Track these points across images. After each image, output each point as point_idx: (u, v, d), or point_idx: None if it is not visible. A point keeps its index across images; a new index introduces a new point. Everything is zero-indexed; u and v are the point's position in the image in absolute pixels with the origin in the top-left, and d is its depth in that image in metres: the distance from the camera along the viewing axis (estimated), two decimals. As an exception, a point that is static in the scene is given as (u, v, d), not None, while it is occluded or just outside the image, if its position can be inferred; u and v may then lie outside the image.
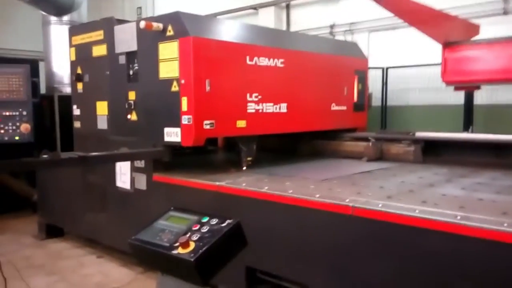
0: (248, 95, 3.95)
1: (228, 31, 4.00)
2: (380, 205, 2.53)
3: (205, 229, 2.00)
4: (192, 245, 1.90)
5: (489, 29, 4.64)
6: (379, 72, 6.67)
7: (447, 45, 3.42)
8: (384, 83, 6.70)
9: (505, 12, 5.73)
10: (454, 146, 4.36)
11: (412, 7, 3.16)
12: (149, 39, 3.80)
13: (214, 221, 2.04)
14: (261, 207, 3.07)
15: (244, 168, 4.13)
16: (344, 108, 5.14)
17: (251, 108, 3.99)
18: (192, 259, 1.84)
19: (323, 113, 4.86)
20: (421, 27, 3.33)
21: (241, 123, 3.91)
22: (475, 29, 4.28)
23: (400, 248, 2.39)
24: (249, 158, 4.22)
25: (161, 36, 3.69)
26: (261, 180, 3.47)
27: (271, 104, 4.18)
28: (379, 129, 6.40)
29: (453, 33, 3.58)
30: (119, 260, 4.59)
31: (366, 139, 4.71)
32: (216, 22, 4.11)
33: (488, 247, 2.05)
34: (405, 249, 2.37)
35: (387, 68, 6.67)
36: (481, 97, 5.66)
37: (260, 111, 4.07)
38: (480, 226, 2.09)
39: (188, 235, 1.98)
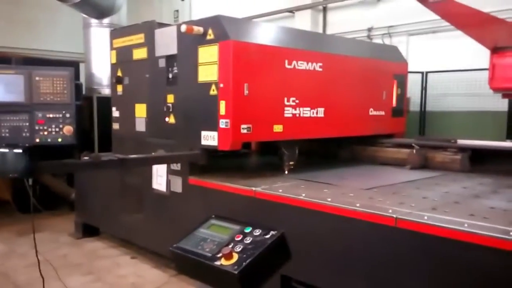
0: (285, 99, 3.91)
1: (267, 34, 3.97)
2: (425, 217, 2.44)
3: (248, 240, 1.95)
4: (235, 257, 1.86)
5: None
6: (418, 76, 6.49)
7: (496, 51, 3.27)
8: (423, 88, 6.51)
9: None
10: (499, 155, 4.19)
11: (461, 11, 3.04)
12: (189, 42, 3.81)
13: (257, 232, 1.99)
14: (297, 214, 3.02)
15: (286, 172, 4.10)
16: (382, 113, 5.02)
17: (288, 112, 3.94)
18: (236, 272, 1.80)
19: (361, 118, 4.76)
20: (469, 31, 3.21)
21: (278, 128, 3.87)
22: (524, 33, 4.09)
23: (446, 263, 2.29)
24: (291, 163, 4.19)
25: (201, 39, 3.69)
26: (298, 187, 3.41)
27: (308, 108, 4.12)
28: (417, 135, 6.23)
29: (502, 38, 3.42)
30: (152, 262, 4.63)
31: (409, 146, 4.58)
32: (255, 26, 4.08)
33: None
34: (452, 264, 2.27)
35: (426, 73, 6.48)
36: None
37: (297, 115, 4.02)
38: (538, 244, 1.97)
39: (231, 246, 1.94)
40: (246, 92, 3.57)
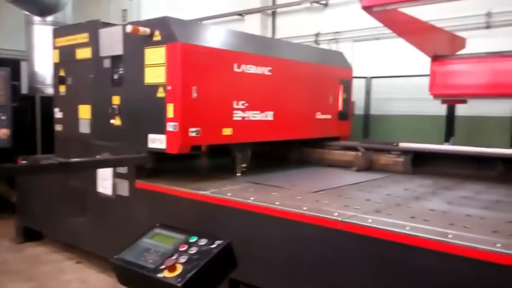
0: (234, 102, 3.91)
1: (216, 37, 3.95)
2: (370, 220, 2.51)
3: (193, 250, 1.91)
4: (179, 268, 1.81)
5: (472, 43, 4.74)
6: (363, 81, 6.70)
7: (436, 58, 3.43)
8: (367, 93, 6.74)
9: (488, 26, 5.83)
10: (438, 157, 4.41)
11: (403, 19, 3.17)
12: (136, 43, 3.72)
13: (203, 242, 1.96)
14: (246, 218, 3.02)
15: (238, 174, 4.11)
16: (329, 116, 5.15)
17: (238, 115, 3.94)
18: (180, 284, 1.75)
19: (308, 121, 4.86)
20: (410, 39, 3.34)
21: (227, 131, 3.87)
22: (461, 42, 4.34)
23: (389, 264, 2.37)
24: (243, 165, 4.19)
25: (148, 40, 3.61)
26: (247, 190, 3.42)
27: (258, 112, 4.14)
28: (362, 138, 6.43)
29: (441, 46, 3.61)
30: (98, 266, 4.48)
31: (355, 149, 4.72)
32: (204, 28, 4.05)
33: (481, 267, 2.04)
34: (395, 266, 2.34)
35: (370, 78, 6.71)
36: (461, 108, 5.74)
37: (247, 118, 4.03)
38: (473, 246, 2.08)
39: (175, 257, 1.89)
40: (194, 95, 3.53)
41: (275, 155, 5.22)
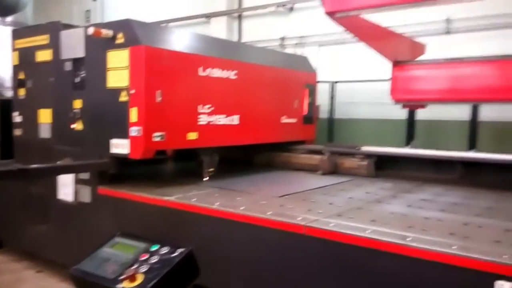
0: (200, 106, 3.89)
1: (181, 41, 3.92)
2: (332, 224, 2.55)
3: (154, 259, 1.88)
4: (139, 278, 1.78)
5: (432, 49, 4.89)
6: (327, 85, 6.79)
7: (397, 64, 3.53)
8: (332, 97, 6.84)
9: (448, 32, 6.04)
10: (400, 161, 4.52)
11: (364, 25, 3.24)
12: (98, 46, 3.64)
13: (164, 250, 1.93)
14: (211, 223, 3.00)
15: (206, 179, 4.09)
16: (294, 120, 5.20)
17: (203, 120, 3.93)
18: (139, 295, 1.72)
19: (274, 125, 4.89)
20: (372, 45, 3.42)
21: (193, 135, 3.84)
22: (421, 48, 4.47)
23: (352, 268, 2.41)
24: (210, 169, 4.17)
25: (111, 43, 3.54)
26: (213, 195, 3.40)
27: (224, 116, 4.14)
28: (326, 141, 6.52)
29: (401, 52, 3.71)
30: (59, 275, 4.35)
31: (320, 152, 4.78)
32: (168, 31, 4.01)
33: (438, 269, 2.10)
34: (357, 270, 2.38)
35: (335, 82, 6.82)
36: (422, 112, 5.91)
37: (212, 123, 4.02)
38: (430, 248, 2.14)
39: (135, 267, 1.85)
40: (158, 99, 3.49)
41: (243, 159, 5.23)
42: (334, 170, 4.65)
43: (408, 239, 2.26)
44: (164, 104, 3.55)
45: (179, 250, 1.89)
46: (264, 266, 2.75)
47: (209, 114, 3.98)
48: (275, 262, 2.71)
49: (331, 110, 6.87)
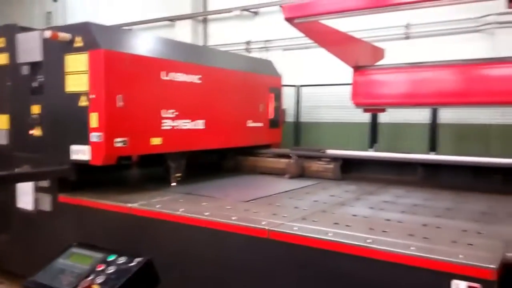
0: (163, 111, 3.84)
1: (143, 44, 3.86)
2: (295, 228, 2.56)
3: (111, 269, 1.83)
4: (95, 290, 1.73)
5: (392, 53, 5.01)
6: (293, 89, 6.86)
7: (357, 69, 3.59)
8: (297, 101, 6.91)
9: (407, 37, 6.21)
10: (363, 164, 4.61)
11: (324, 30, 3.28)
12: (56, 49, 3.54)
13: (121, 260, 1.88)
14: (175, 230, 2.96)
15: (173, 184, 4.04)
16: (260, 124, 5.21)
17: (167, 124, 3.88)
18: (95, 307, 1.67)
19: (240, 129, 4.89)
20: (332, 50, 3.47)
21: (156, 140, 3.79)
22: (381, 53, 4.57)
23: (316, 271, 2.42)
24: (177, 174, 4.13)
25: (69, 47, 3.45)
26: (177, 201, 3.36)
27: (188, 120, 4.10)
28: (292, 145, 6.58)
29: (361, 57, 3.78)
30: (20, 287, 4.18)
31: (287, 156, 4.80)
32: (130, 35, 3.95)
33: (397, 270, 2.14)
34: (321, 272, 2.40)
35: (300, 86, 6.89)
36: (384, 115, 6.05)
37: (176, 127, 3.97)
38: (389, 250, 2.18)
39: (91, 278, 1.80)
40: (120, 103, 3.43)
41: (211, 164, 5.19)
42: (301, 174, 4.68)
43: (368, 241, 2.29)
44: (126, 109, 3.48)
45: (137, 260, 1.85)
46: (229, 272, 2.74)
47: (174, 119, 3.93)
48: (240, 268, 2.70)
49: (297, 113, 6.93)
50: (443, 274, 2.01)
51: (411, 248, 2.17)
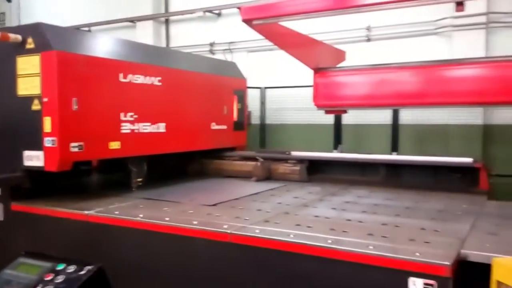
0: (122, 114, 3.73)
1: (99, 46, 3.75)
2: (257, 231, 2.53)
3: (60, 279, 1.76)
4: (42, 300, 1.64)
5: (354, 55, 5.07)
6: (258, 91, 6.84)
7: (318, 71, 3.60)
8: (262, 103, 6.90)
9: (369, 39, 6.30)
10: (329, 165, 4.64)
11: (283, 32, 3.26)
12: (6, 51, 3.38)
13: (71, 269, 1.80)
14: (134, 237, 2.87)
15: (134, 189, 3.95)
16: (224, 127, 5.16)
17: (126, 128, 3.77)
18: (42, 317, 1.59)
19: (203, 132, 4.82)
20: (292, 52, 3.46)
21: (115, 145, 3.67)
22: (341, 55, 4.61)
23: (279, 273, 2.39)
24: (139, 179, 4.03)
25: (20, 48, 3.31)
26: (137, 207, 3.27)
27: (148, 124, 4.00)
28: (258, 147, 6.56)
29: (322, 59, 3.79)
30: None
31: (254, 159, 4.77)
32: (86, 36, 3.83)
33: (357, 270, 2.14)
34: (284, 275, 2.38)
35: (265, 88, 6.88)
36: (348, 117, 6.11)
37: (136, 131, 3.87)
38: (348, 249, 2.18)
39: (38, 288, 1.71)
40: (75, 107, 3.30)
41: (176, 168, 5.07)
42: (268, 176, 4.66)
43: (329, 241, 2.29)
44: (82, 113, 3.36)
45: (87, 268, 1.78)
46: (191, 278, 2.68)
47: (133, 122, 3.83)
48: (202, 273, 2.64)
49: (262, 116, 6.92)
50: (400, 272, 2.02)
51: (370, 247, 2.18)
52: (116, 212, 3.05)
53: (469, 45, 5.52)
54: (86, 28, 8.14)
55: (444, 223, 2.79)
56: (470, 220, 2.85)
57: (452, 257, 2.03)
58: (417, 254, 2.06)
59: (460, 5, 2.33)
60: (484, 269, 2.03)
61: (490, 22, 5.55)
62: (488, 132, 5.58)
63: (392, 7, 2.55)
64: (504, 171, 5.01)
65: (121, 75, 3.69)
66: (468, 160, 3.94)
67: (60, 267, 1.82)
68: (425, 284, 1.96)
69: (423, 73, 4.10)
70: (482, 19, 5.54)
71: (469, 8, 5.42)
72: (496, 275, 1.92)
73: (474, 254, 2.12)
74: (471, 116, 5.59)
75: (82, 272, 1.77)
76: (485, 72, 3.80)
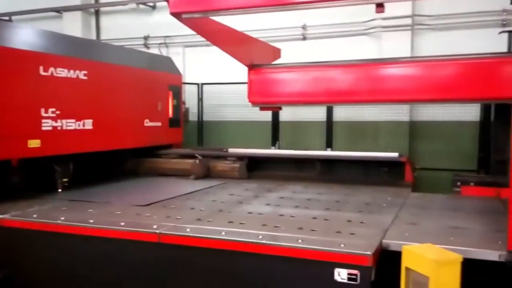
0: (43, 110, 3.48)
1: (17, 36, 3.48)
2: (188, 230, 2.45)
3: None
4: None
5: (290, 53, 5.09)
6: (195, 87, 6.70)
7: (252, 67, 3.54)
8: (200, 99, 6.77)
9: (304, 38, 6.37)
10: (267, 161, 4.66)
11: (215, 28, 3.17)
12: None
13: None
14: (54, 241, 2.69)
15: (60, 190, 3.72)
16: (159, 124, 4.99)
17: (47, 125, 3.53)
18: None
19: (135, 129, 4.64)
20: (225, 48, 3.37)
21: (35, 143, 3.42)
22: (277, 52, 4.59)
23: (209, 271, 2.34)
24: (64, 179, 3.79)
25: None
26: (59, 209, 3.06)
27: (73, 120, 3.77)
28: (196, 144, 6.43)
29: (257, 56, 3.73)
30: None
31: (193, 156, 4.64)
32: (1, 26, 3.52)
33: (286, 264, 2.14)
34: (214, 272, 2.33)
35: (202, 84, 6.75)
36: (285, 113, 6.15)
37: (59, 128, 3.63)
38: (278, 244, 2.17)
39: None
40: (-12, 102, 3.03)
41: (109, 167, 4.81)
42: (207, 174, 4.55)
43: (259, 237, 2.26)
44: (-4, 108, 3.09)
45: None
46: (120, 282, 2.55)
47: (55, 118, 3.59)
48: (132, 276, 2.52)
49: (200, 112, 6.79)
50: (327, 264, 2.05)
51: (299, 241, 2.18)
52: (35, 216, 2.85)
53: (396, 45, 5.73)
54: (7, 18, 7.54)
55: (370, 215, 2.88)
56: (394, 211, 2.96)
57: (374, 247, 2.09)
58: (342, 245, 2.10)
59: (380, 6, 2.35)
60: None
61: (415, 24, 5.80)
62: (414, 128, 5.83)
63: (321, 6, 2.53)
64: (428, 164, 5.27)
65: (41, 68, 3.44)
66: (394, 155, 4.10)
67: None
68: (349, 274, 2.00)
69: (354, 71, 4.17)
70: (408, 21, 5.77)
71: (396, 10, 5.69)
72: (405, 261, 1.98)
73: (395, 244, 2.19)
74: (399, 113, 5.81)
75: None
76: (411, 71, 3.94)
